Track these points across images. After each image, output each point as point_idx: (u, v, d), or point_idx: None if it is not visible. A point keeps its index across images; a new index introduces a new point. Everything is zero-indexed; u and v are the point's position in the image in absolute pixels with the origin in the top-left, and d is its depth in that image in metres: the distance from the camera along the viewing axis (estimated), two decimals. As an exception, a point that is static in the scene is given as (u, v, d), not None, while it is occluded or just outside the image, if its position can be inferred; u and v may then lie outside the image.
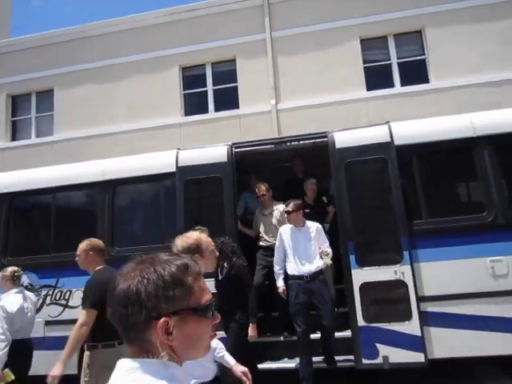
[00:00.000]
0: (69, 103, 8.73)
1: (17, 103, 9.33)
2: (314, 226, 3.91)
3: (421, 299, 3.60)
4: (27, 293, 3.56)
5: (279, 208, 4.46)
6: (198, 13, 8.51)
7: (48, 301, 4.35)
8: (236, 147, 4.40)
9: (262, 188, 4.51)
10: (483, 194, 3.77)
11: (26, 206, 4.97)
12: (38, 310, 4.31)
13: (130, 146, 7.62)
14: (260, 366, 3.83)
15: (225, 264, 3.41)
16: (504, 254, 3.56)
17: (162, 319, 0.73)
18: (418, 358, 3.53)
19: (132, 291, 0.74)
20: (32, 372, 4.17)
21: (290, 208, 3.88)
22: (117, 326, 0.76)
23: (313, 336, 3.81)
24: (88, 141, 8.34)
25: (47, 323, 4.27)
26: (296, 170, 5.16)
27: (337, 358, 3.84)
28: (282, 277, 3.88)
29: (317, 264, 3.75)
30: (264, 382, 3.34)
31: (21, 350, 3.25)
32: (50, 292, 4.36)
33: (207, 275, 3.78)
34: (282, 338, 4.11)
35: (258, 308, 3.55)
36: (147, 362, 0.73)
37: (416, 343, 3.54)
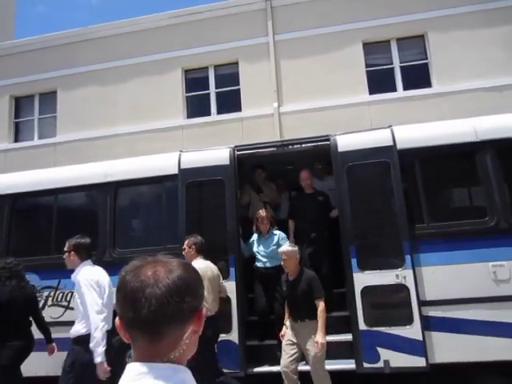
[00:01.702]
0: (72, 105, 8.77)
1: (20, 105, 9.38)
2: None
3: (422, 303, 3.60)
4: None
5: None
6: (202, 16, 8.56)
7: (49, 302, 4.35)
8: (238, 150, 4.41)
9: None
10: (485, 199, 3.77)
11: (28, 207, 4.99)
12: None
13: (132, 148, 7.64)
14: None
15: None
16: (506, 258, 3.55)
17: (204, 308, 0.80)
18: (419, 362, 3.52)
19: (188, 280, 0.77)
20: (33, 373, 4.18)
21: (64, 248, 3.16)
22: (153, 317, 0.72)
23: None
24: (90, 142, 8.37)
25: (49, 324, 4.26)
26: (303, 184, 4.63)
27: (338, 361, 3.83)
28: None
29: (76, 328, 2.93)
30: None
31: None
32: (52, 293, 4.36)
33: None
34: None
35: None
36: (157, 367, 0.72)
37: (417, 348, 3.53)
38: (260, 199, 5.09)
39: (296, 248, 3.62)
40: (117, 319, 0.77)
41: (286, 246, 3.67)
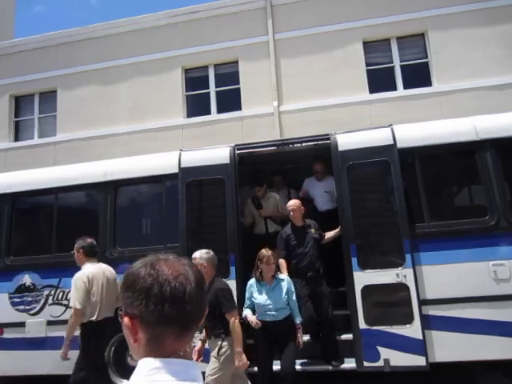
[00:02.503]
0: (71, 104, 8.77)
1: (20, 104, 9.37)
2: None
3: (423, 302, 3.60)
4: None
5: None
6: (201, 15, 8.55)
7: (50, 301, 4.36)
8: (238, 149, 4.41)
9: None
10: (486, 198, 3.76)
11: (28, 206, 4.99)
12: (40, 310, 4.35)
13: (132, 147, 7.65)
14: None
15: None
16: (506, 258, 3.55)
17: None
18: (419, 361, 3.52)
19: (203, 275, 0.84)
20: (34, 372, 4.18)
21: None
22: (192, 313, 0.76)
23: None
24: (90, 142, 8.38)
25: (49, 323, 4.28)
26: (292, 216, 4.13)
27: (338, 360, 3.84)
28: None
29: None
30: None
31: None
32: (52, 292, 4.37)
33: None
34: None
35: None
36: (170, 362, 0.73)
37: (417, 346, 3.54)
38: (260, 215, 4.99)
39: (209, 255, 3.22)
40: (126, 319, 0.76)
41: (198, 253, 3.26)
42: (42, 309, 4.34)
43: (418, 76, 7.67)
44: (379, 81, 7.75)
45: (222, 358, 3.06)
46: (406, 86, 7.69)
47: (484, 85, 7.18)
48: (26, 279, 4.45)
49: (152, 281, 0.75)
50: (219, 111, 8.27)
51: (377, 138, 4.04)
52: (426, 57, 7.75)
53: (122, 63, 8.71)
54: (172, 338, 0.75)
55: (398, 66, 7.81)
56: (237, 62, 8.30)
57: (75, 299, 3.37)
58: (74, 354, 3.41)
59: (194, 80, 8.60)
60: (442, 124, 4.14)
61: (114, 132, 8.37)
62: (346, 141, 4.10)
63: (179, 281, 0.76)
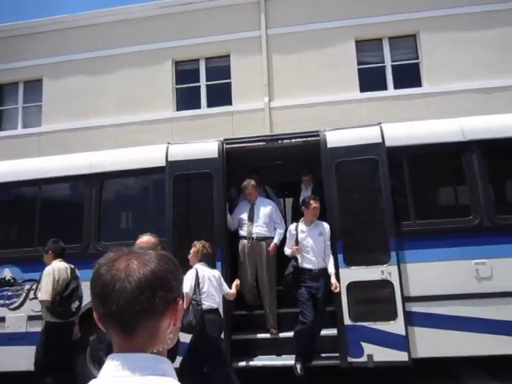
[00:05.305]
0: (58, 94, 8.55)
1: (3, 92, 9.10)
2: None
3: (406, 299, 3.65)
4: None
5: None
6: (193, 6, 8.42)
7: (31, 295, 4.25)
8: (227, 143, 4.37)
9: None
10: (470, 198, 3.83)
11: (10, 197, 4.85)
12: (20, 305, 4.25)
13: (120, 140, 7.51)
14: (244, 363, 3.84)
15: None
16: (488, 257, 3.63)
17: (180, 300, 0.76)
18: (401, 357, 3.57)
19: (161, 273, 0.73)
20: (14, 368, 4.08)
21: None
22: (123, 312, 0.70)
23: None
24: (77, 133, 8.19)
25: (30, 318, 4.18)
26: None
27: (322, 355, 3.86)
28: None
29: None
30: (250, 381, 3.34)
31: None
32: (34, 286, 4.26)
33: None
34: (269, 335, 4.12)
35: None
36: (139, 357, 0.71)
37: (400, 342, 3.59)
38: None
39: None
40: (94, 312, 0.76)
41: None
42: (22, 303, 4.24)
43: (409, 76, 7.74)
44: (370, 80, 7.79)
45: None
46: (396, 86, 7.75)
47: (472, 87, 7.29)
48: (6, 273, 4.34)
49: (94, 273, 0.75)
50: (209, 105, 8.19)
51: (366, 135, 4.06)
52: (417, 58, 7.83)
53: (111, 53, 8.52)
54: (119, 336, 0.72)
55: (389, 66, 7.87)
56: (228, 56, 8.22)
57: None
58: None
59: (185, 73, 8.49)
60: (430, 124, 4.18)
61: (101, 124, 8.20)
62: (335, 138, 4.11)
63: (111, 275, 0.72)
